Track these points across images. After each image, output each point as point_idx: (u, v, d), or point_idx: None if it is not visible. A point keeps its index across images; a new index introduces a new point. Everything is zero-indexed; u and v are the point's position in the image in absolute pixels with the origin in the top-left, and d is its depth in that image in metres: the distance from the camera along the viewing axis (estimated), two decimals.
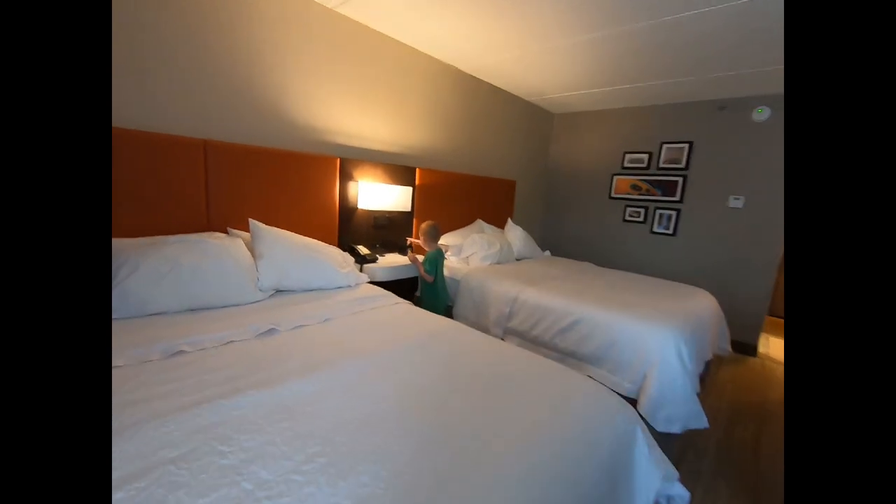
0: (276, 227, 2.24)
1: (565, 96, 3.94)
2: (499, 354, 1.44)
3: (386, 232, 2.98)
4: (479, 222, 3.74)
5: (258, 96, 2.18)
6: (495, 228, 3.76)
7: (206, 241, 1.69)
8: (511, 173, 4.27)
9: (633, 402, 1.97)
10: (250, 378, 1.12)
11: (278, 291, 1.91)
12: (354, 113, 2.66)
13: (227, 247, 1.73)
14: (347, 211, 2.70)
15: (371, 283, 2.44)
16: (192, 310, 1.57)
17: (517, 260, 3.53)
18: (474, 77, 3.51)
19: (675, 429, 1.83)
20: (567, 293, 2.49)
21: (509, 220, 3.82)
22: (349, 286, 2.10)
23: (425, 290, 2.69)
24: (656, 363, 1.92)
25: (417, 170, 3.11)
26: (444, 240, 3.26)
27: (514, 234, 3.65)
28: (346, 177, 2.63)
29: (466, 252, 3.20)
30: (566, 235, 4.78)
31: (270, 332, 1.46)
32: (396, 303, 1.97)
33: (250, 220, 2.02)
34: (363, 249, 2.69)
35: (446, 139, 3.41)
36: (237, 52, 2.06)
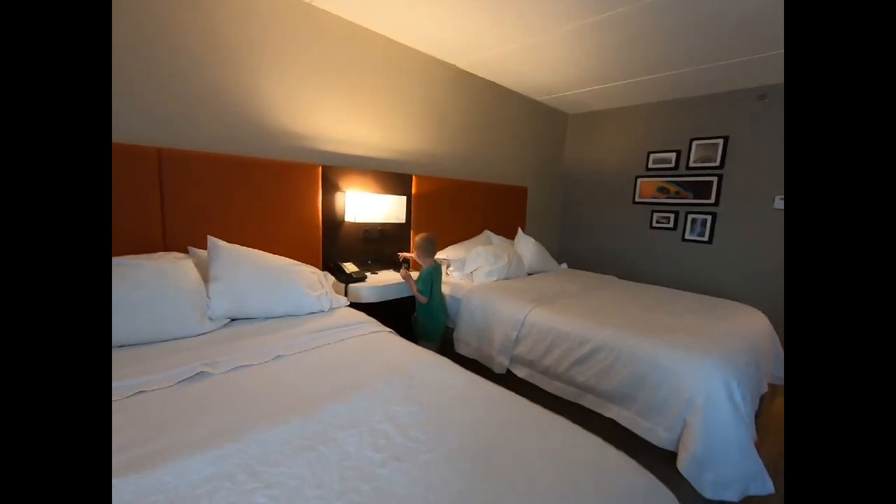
0: (246, 244, 1.99)
1: (579, 94, 3.59)
2: (487, 408, 1.09)
3: (379, 246, 2.69)
4: (487, 233, 3.40)
5: (226, 100, 1.96)
6: (505, 240, 3.41)
7: (142, 264, 1.43)
8: (522, 179, 3.93)
9: (672, 455, 1.55)
10: (131, 452, 0.82)
11: (234, 320, 1.63)
12: (340, 117, 2.41)
13: (167, 270, 1.47)
14: (333, 224, 2.43)
15: (356, 305, 2.14)
16: (119, 346, 1.30)
17: (529, 274, 3.16)
18: (475, 76, 3.22)
19: (730, 496, 1.41)
20: (584, 313, 2.11)
21: (519, 230, 3.46)
22: (322, 311, 1.80)
23: (421, 312, 2.36)
24: (700, 406, 1.51)
25: (413, 177, 2.83)
26: (446, 253, 2.94)
27: (525, 246, 3.28)
28: (330, 187, 2.37)
29: (470, 267, 2.86)
30: (585, 245, 4.36)
31: (198, 376, 1.17)
32: (374, 331, 1.65)
33: (209, 237, 1.77)
34: (350, 267, 2.40)
35: (447, 144, 3.11)
36: (201, 53, 1.85)
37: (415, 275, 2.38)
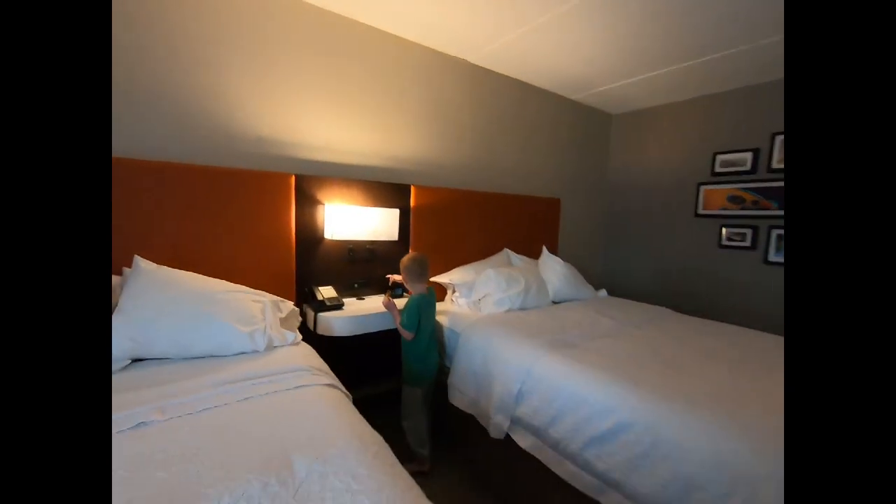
0: (201, 266, 1.72)
1: (622, 87, 3.00)
2: None
3: (368, 268, 2.32)
4: (506, 253, 2.89)
5: (180, 100, 1.73)
6: (530, 261, 2.87)
7: None
8: (554, 190, 3.38)
9: None
10: None
11: (139, 361, 1.32)
12: (321, 120, 2.10)
13: None
14: (309, 242, 2.10)
15: (327, 340, 1.76)
16: None
17: (554, 303, 2.58)
18: (491, 71, 2.79)
19: None
20: (614, 365, 1.53)
21: (544, 249, 2.91)
22: (256, 352, 1.44)
23: (405, 350, 1.92)
24: None
25: (412, 188, 2.44)
26: (451, 276, 2.49)
27: (551, 268, 2.72)
28: (305, 199, 2.05)
29: (479, 292, 2.38)
30: (634, 268, 3.64)
31: None
32: (304, 385, 1.24)
33: (136, 257, 1.51)
34: (327, 292, 2.04)
35: (456, 150, 2.70)
36: (148, 43, 1.64)
37: (399, 305, 1.95)
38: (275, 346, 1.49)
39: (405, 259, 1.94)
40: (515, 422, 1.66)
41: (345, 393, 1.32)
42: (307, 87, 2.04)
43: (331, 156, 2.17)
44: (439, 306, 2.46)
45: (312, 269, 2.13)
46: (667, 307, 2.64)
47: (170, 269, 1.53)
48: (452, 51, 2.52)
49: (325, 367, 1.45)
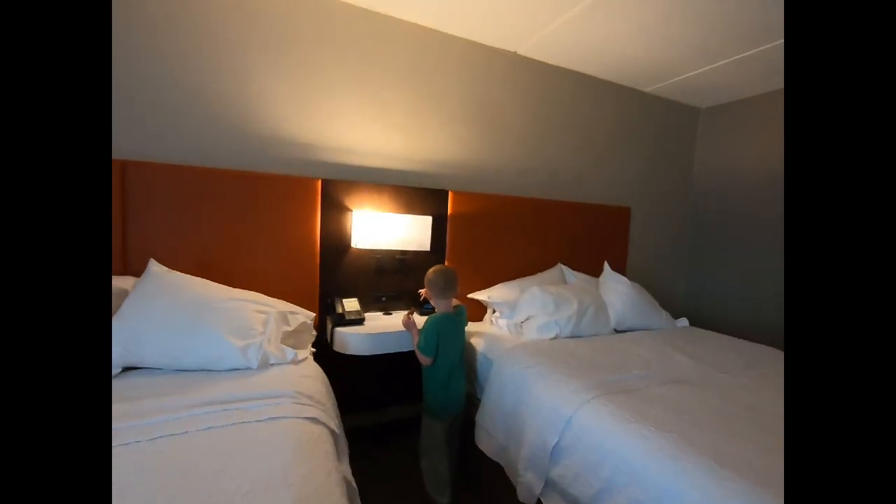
0: (220, 274, 1.68)
1: (709, 73, 2.48)
2: None
3: (398, 280, 2.13)
4: (561, 269, 2.51)
5: (206, 104, 1.73)
6: (589, 279, 2.46)
7: None
8: (622, 196, 2.91)
9: None
10: None
11: (130, 370, 1.25)
12: (350, 121, 1.99)
13: None
14: (335, 251, 1.97)
15: (343, 358, 1.60)
16: None
17: (616, 332, 2.14)
18: (544, 63, 2.48)
19: None
20: (690, 427, 1.11)
21: (606, 266, 2.46)
22: (249, 368, 1.30)
23: (427, 378, 1.67)
24: None
25: (450, 194, 2.21)
26: (490, 294, 2.19)
27: (614, 289, 2.27)
28: (332, 205, 1.94)
29: (522, 314, 2.05)
30: (728, 292, 2.96)
31: None
32: (277, 417, 1.05)
33: (150, 261, 1.49)
34: (349, 304, 1.89)
35: (501, 152, 2.42)
36: (176, 49, 1.66)
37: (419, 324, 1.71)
38: (271, 364, 1.34)
39: (430, 272, 1.70)
40: (550, 485, 1.31)
41: (330, 429, 1.11)
42: (335, 87, 1.95)
43: (360, 159, 2.04)
44: (475, 326, 2.17)
45: (338, 279, 1.99)
46: (770, 346, 2.03)
47: (181, 274, 1.49)
48: (497, 42, 2.27)
49: (322, 392, 1.26)
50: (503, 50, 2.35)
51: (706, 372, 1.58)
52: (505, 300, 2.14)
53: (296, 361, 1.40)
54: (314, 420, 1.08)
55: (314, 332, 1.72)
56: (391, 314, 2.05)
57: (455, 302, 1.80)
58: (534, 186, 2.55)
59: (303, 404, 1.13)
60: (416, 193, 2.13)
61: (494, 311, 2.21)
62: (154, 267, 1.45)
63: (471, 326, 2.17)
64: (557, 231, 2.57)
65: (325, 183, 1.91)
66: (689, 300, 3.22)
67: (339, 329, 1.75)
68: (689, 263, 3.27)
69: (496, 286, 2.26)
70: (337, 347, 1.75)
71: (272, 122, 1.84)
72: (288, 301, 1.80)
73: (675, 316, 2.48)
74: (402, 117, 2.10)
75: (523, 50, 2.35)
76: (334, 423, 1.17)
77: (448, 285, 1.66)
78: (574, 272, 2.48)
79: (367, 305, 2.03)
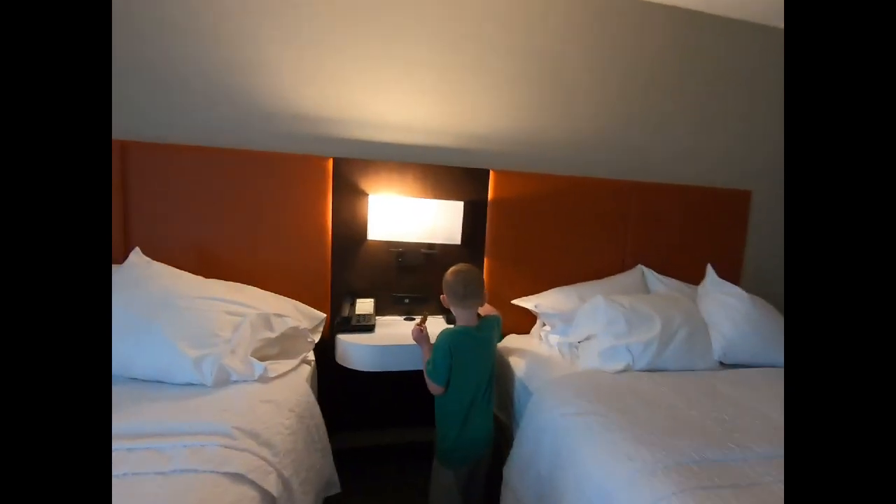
0: (218, 268, 1.51)
1: None
2: None
3: (424, 279, 1.76)
4: (641, 272, 1.91)
5: (204, 76, 1.55)
6: (683, 287, 1.82)
7: None
8: (741, 176, 2.14)
9: None
10: None
11: None
12: (365, 88, 1.67)
13: None
14: (349, 242, 1.68)
15: (347, 373, 1.31)
16: None
17: (723, 367, 1.49)
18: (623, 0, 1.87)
19: None
20: None
21: (709, 270, 1.78)
22: (203, 385, 1.05)
23: (438, 415, 1.30)
24: None
25: (491, 174, 1.77)
26: (542, 300, 1.71)
27: (722, 303, 1.61)
28: (345, 188, 1.65)
29: (579, 331, 1.54)
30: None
31: None
32: (185, 470, 0.77)
33: (135, 249, 1.34)
34: (361, 307, 1.59)
35: (560, 119, 1.89)
36: (171, 17, 1.50)
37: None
38: (232, 381, 1.09)
39: (448, 273, 1.31)
40: None
41: (265, 491, 0.80)
42: (348, 49, 1.63)
43: (378, 133, 1.71)
44: (518, 341, 1.71)
45: (353, 276, 1.70)
46: None
47: (161, 265, 1.32)
48: None
49: (281, 428, 0.97)
50: None
51: None
52: (558, 310, 1.64)
53: (265, 378, 1.12)
54: (239, 478, 0.78)
55: (311, 339, 1.44)
56: (414, 319, 1.70)
57: (486, 310, 1.38)
58: (606, 163, 1.96)
59: (234, 449, 0.83)
60: (447, 174, 1.73)
61: (545, 325, 1.72)
62: (134, 257, 1.30)
63: (512, 340, 1.73)
64: (639, 222, 1.95)
65: (336, 162, 1.63)
66: None
67: (341, 337, 1.45)
68: None
69: (548, 291, 1.76)
70: (339, 359, 1.46)
71: (276, 94, 1.60)
72: (299, 300, 1.58)
73: None
74: (431, 80, 1.72)
75: None
76: (284, 475, 0.86)
77: (469, 291, 1.24)
78: (661, 277, 1.85)
79: (385, 308, 1.71)
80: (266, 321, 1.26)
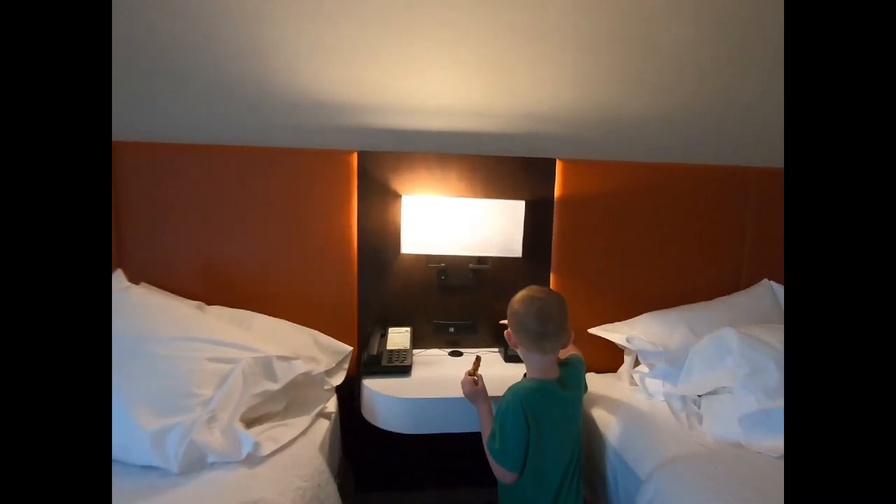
0: (228, 282, 1.25)
1: None
2: None
3: (476, 300, 1.38)
4: (770, 288, 1.40)
5: (207, 65, 1.28)
6: None
7: None
8: None
9: None
10: None
11: None
12: (397, 67, 1.33)
13: None
14: (378, 257, 1.35)
15: (371, 430, 0.98)
16: None
17: None
18: None
19: None
20: None
21: None
22: (169, 472, 0.74)
23: (501, 496, 0.90)
24: None
25: (559, 164, 1.36)
26: (634, 330, 1.27)
27: None
28: (373, 189, 1.31)
29: (695, 380, 1.08)
30: None
31: None
32: None
33: (117, 271, 1.08)
34: (395, 339, 1.25)
35: (658, 93, 1.43)
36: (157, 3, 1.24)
37: (485, 393, 0.94)
38: (210, 464, 0.76)
39: (515, 300, 0.92)
40: None
41: None
42: (375, 23, 1.29)
43: (411, 120, 1.36)
44: (600, 383, 1.27)
45: (383, 299, 1.36)
46: None
47: (145, 291, 1.07)
48: None
49: None
50: None
51: None
52: (659, 346, 1.19)
53: (256, 458, 0.79)
54: None
55: (330, 385, 1.11)
56: (461, 354, 1.33)
57: (569, 351, 0.98)
58: (712, 145, 1.48)
59: None
60: (501, 167, 1.34)
61: (638, 363, 1.27)
62: (115, 282, 1.03)
63: (593, 383, 1.28)
64: (761, 221, 1.45)
65: (362, 157, 1.29)
66: None
67: (367, 384, 1.10)
68: None
69: (640, 318, 1.32)
70: (366, 413, 1.11)
71: (290, 80, 1.30)
72: (320, 329, 1.27)
73: None
74: (475, 49, 1.34)
75: None
76: None
77: (549, 329, 0.85)
78: None
79: (424, 339, 1.35)
80: (267, 368, 0.94)
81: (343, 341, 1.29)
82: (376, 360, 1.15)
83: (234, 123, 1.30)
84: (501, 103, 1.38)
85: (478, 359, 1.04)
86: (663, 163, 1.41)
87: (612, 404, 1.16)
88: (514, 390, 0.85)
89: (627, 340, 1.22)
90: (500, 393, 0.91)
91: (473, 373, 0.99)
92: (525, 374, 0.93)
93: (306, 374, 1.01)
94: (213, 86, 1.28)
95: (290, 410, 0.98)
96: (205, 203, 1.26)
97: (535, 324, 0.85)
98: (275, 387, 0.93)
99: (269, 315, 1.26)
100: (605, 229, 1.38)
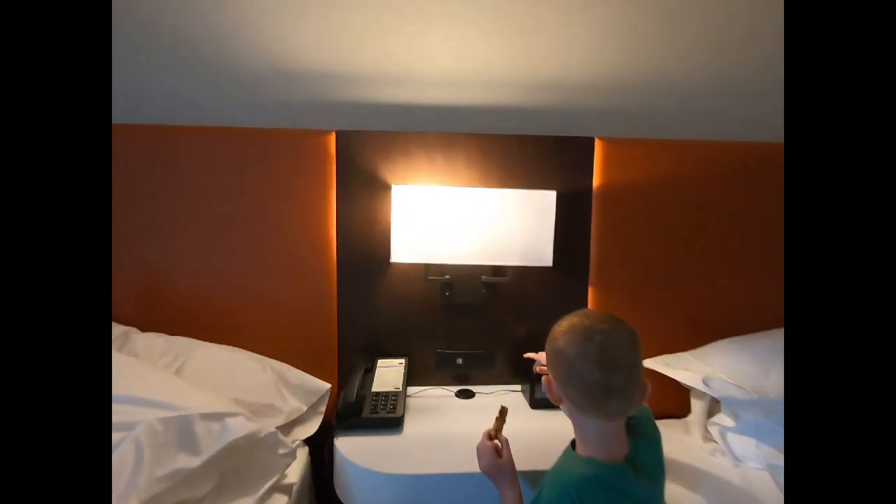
0: (172, 306, 0.97)
1: None
2: None
3: (489, 324, 1.06)
4: None
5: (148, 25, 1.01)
6: None
7: None
8: None
9: None
10: None
11: None
12: (387, 26, 1.04)
13: None
14: (362, 266, 1.04)
15: None
16: None
17: None
18: None
19: None
20: None
21: None
22: None
23: None
24: None
25: (598, 144, 1.04)
26: (708, 366, 0.93)
27: None
28: (356, 178, 1.02)
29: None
30: None
31: None
32: None
33: None
34: (386, 376, 0.94)
35: (727, 50, 1.11)
36: None
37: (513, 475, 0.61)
38: None
39: (558, 330, 0.60)
40: None
41: None
42: None
43: (405, 91, 1.06)
44: (667, 445, 0.92)
45: (372, 320, 1.05)
46: None
47: None
48: None
49: None
50: None
51: None
52: (753, 390, 0.85)
53: None
54: None
55: (286, 449, 0.79)
56: (472, 396, 1.00)
57: (642, 405, 0.65)
58: None
59: None
60: (523, 148, 1.03)
61: (715, 411, 0.92)
62: None
63: None
64: None
65: (342, 138, 1.00)
66: None
67: (341, 444, 0.78)
68: None
69: (714, 346, 0.98)
70: (337, 488, 0.80)
71: (250, 41, 1.02)
72: (288, 360, 0.97)
73: None
74: (491, 4, 1.04)
75: None
76: None
77: (616, 381, 0.53)
78: None
79: (423, 373, 1.04)
80: (183, 433, 0.63)
81: (319, 377, 0.99)
82: (355, 409, 0.83)
83: (173, 95, 1.03)
84: (518, 70, 1.08)
85: (503, 412, 0.71)
86: (736, 141, 1.08)
87: (689, 476, 0.82)
88: (563, 482, 0.53)
89: (705, 383, 0.88)
90: (528, 463, 0.58)
91: (496, 434, 0.67)
92: (572, 444, 0.61)
93: (250, 437, 0.70)
94: (146, 46, 1.00)
95: (224, 492, 0.67)
96: (137, 199, 0.98)
97: (597, 372, 0.52)
98: (194, 462, 0.63)
99: (223, 343, 0.97)
100: (660, 228, 1.06)
